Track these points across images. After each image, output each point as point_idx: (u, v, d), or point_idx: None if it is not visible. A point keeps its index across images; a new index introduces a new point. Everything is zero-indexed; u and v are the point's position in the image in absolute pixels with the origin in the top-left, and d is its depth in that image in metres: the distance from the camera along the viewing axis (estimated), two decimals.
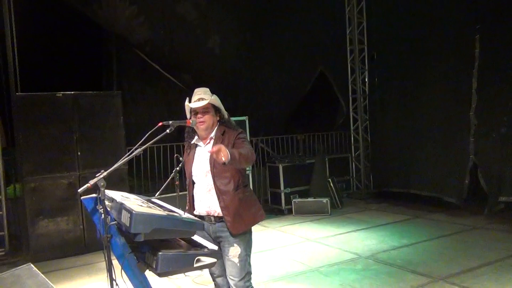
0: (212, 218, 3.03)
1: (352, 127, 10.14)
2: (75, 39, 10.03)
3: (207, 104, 3.00)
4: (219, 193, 2.97)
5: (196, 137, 3.14)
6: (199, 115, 3.01)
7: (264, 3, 9.50)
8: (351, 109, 10.12)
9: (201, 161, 3.07)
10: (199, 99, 3.01)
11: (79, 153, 6.37)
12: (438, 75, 7.84)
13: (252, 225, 3.08)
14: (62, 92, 6.36)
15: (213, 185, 2.99)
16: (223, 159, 2.57)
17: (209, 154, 3.00)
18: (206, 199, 3.04)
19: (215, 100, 3.04)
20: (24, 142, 6.13)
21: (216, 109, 3.07)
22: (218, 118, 3.09)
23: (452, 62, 7.55)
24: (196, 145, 3.14)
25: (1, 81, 6.93)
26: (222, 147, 2.60)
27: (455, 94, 7.49)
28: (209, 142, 3.08)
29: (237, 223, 2.96)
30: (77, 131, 6.39)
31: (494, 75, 6.94)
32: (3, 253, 6.33)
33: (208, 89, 3.09)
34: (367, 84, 9.91)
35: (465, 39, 7.29)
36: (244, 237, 3.02)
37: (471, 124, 7.12)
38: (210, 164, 2.99)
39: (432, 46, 7.93)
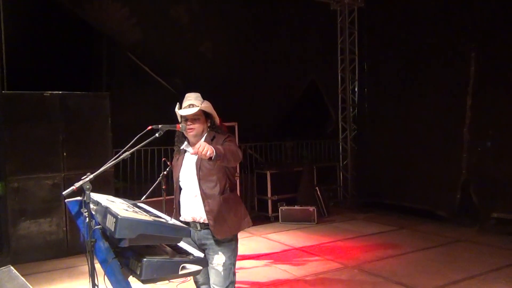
0: (198, 225, 2.99)
1: (340, 136, 10.18)
2: (64, 38, 9.91)
3: (197, 111, 2.96)
4: (205, 196, 2.93)
5: (185, 143, 3.10)
6: (189, 122, 2.97)
7: (257, 11, 9.52)
8: (340, 118, 10.16)
9: (189, 167, 3.03)
10: (189, 105, 2.97)
11: (64, 154, 6.27)
12: (431, 90, 7.87)
13: (237, 232, 3.04)
14: (49, 92, 6.26)
15: (199, 190, 2.96)
16: (208, 152, 2.53)
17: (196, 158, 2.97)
18: (192, 205, 3.00)
19: (206, 106, 3.00)
20: (8, 141, 6.02)
21: (207, 115, 3.04)
22: (208, 124, 3.05)
23: (446, 78, 7.59)
24: (185, 151, 3.10)
25: None
26: (202, 142, 2.59)
27: (449, 110, 7.53)
28: None
29: (221, 228, 2.92)
30: (64, 131, 6.29)
31: (488, 92, 7.01)
32: None
33: (199, 95, 3.05)
34: (356, 94, 9.97)
35: (460, 56, 7.36)
36: (230, 245, 2.99)
37: (464, 140, 7.17)
38: (196, 167, 2.95)
39: (426, 61, 7.97)
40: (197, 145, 2.56)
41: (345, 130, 10.05)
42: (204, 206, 2.93)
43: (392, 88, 8.79)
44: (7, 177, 6.00)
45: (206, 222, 2.94)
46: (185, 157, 3.09)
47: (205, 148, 2.53)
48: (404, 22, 8.44)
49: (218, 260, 2.94)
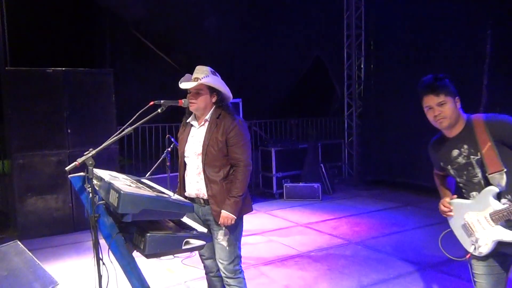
0: (202, 201, 2.98)
1: (346, 113, 10.10)
2: (67, 15, 9.82)
3: (198, 85, 2.89)
4: (208, 181, 2.92)
5: (192, 116, 3.06)
6: (190, 96, 2.92)
7: None
8: (345, 95, 10.07)
9: (194, 142, 3.00)
10: (194, 79, 2.91)
11: (69, 131, 6.28)
12: (444, 67, 7.61)
13: (237, 217, 2.94)
14: (52, 68, 6.22)
15: (202, 170, 2.94)
16: (233, 221, 2.87)
17: (202, 136, 2.94)
18: (196, 181, 2.98)
19: (209, 81, 2.91)
20: (13, 118, 6.03)
21: (214, 90, 2.97)
22: (214, 100, 2.98)
23: (460, 56, 7.34)
24: (191, 125, 3.07)
25: None
26: (225, 220, 2.85)
27: (463, 88, 7.33)
28: (203, 124, 3.00)
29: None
30: (68, 108, 6.28)
31: (505, 71, 6.79)
32: None
33: (208, 68, 2.95)
34: (362, 70, 9.84)
35: (475, 33, 7.11)
36: None
37: None
38: (203, 150, 2.93)
39: (437, 37, 7.73)
40: (223, 220, 2.86)
41: (351, 107, 9.97)
42: (207, 190, 2.92)
43: (400, 64, 8.60)
44: (13, 154, 6.03)
45: None
46: (190, 131, 3.06)
47: (228, 221, 2.85)
48: None
49: (223, 235, 2.94)
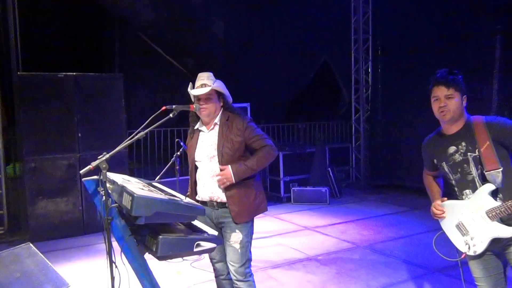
0: (215, 204, 3.02)
1: (353, 117, 10.11)
2: (77, 20, 9.94)
3: (210, 90, 2.97)
4: None
5: (199, 122, 3.12)
6: (201, 102, 2.99)
7: None
8: (353, 99, 10.08)
9: (204, 147, 3.05)
10: (202, 85, 2.98)
11: (79, 135, 6.36)
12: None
13: (254, 216, 3.07)
14: (63, 73, 6.31)
15: (218, 172, 2.99)
16: (228, 183, 2.88)
17: (214, 140, 3.00)
18: (210, 185, 3.02)
19: (218, 86, 3.01)
20: (24, 122, 6.12)
21: (220, 94, 3.05)
22: (221, 104, 3.07)
23: (470, 61, 7.27)
24: (199, 130, 3.12)
25: (2, 60, 6.89)
26: (224, 174, 2.89)
27: (472, 93, 7.31)
28: (213, 128, 3.06)
29: (241, 213, 2.97)
30: (78, 112, 6.36)
31: None
32: (2, 231, 6.37)
33: (211, 74, 3.05)
34: (370, 75, 9.85)
35: (484, 38, 7.08)
36: (246, 224, 3.02)
37: None
38: (218, 152, 2.98)
39: (446, 42, 7.71)
40: (220, 174, 2.90)
41: (358, 111, 9.98)
42: (225, 191, 2.97)
43: (408, 68, 8.59)
44: (24, 157, 6.12)
45: (224, 201, 2.98)
46: (199, 136, 3.12)
47: (224, 176, 2.88)
48: (423, 0, 8.20)
49: (236, 238, 2.98)
